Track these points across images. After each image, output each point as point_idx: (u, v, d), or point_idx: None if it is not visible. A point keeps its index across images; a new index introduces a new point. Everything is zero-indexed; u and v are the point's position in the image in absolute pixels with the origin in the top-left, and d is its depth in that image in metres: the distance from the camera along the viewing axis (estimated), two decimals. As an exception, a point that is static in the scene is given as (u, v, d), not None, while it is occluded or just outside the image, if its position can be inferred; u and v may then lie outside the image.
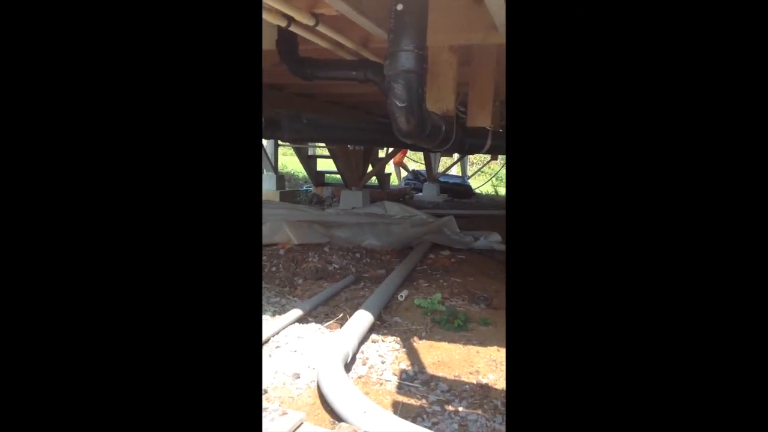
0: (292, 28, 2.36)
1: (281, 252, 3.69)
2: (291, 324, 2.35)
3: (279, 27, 2.49)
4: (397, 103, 2.07)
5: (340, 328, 2.27)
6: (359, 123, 4.88)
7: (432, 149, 3.22)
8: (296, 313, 2.44)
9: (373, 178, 7.83)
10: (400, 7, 1.93)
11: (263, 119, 2.89)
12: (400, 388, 1.85)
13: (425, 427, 1.51)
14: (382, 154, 8.26)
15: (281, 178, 7.54)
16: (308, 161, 7.87)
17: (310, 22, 2.26)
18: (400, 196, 8.06)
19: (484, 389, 1.85)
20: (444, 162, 11.05)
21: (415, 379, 1.92)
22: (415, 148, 8.19)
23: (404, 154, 8.36)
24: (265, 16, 2.17)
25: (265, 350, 2.07)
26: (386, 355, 2.11)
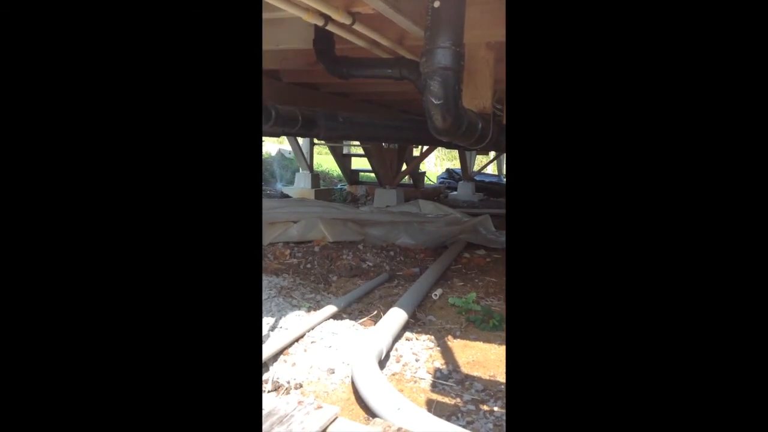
0: (329, 27, 2.38)
1: (316, 249, 3.73)
2: (326, 320, 2.38)
3: (316, 26, 2.52)
4: (433, 101, 2.06)
5: (374, 325, 2.28)
6: (394, 121, 4.89)
7: (468, 147, 3.19)
8: (331, 309, 2.46)
9: (407, 176, 7.82)
10: (437, 4, 1.91)
11: (300, 118, 2.94)
12: (435, 387, 1.84)
13: (460, 426, 1.49)
14: (416, 152, 8.24)
15: (316, 177, 7.62)
16: (343, 160, 7.93)
17: (347, 21, 2.27)
18: (435, 194, 8.03)
19: (520, 390, 1.82)
20: (480, 160, 10.93)
21: (449, 377, 1.91)
22: (450, 146, 8.14)
23: None
24: (302, 15, 2.19)
25: (301, 345, 2.10)
26: (420, 354, 2.10)
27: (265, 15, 2.48)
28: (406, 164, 7.35)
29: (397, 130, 4.19)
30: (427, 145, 6.76)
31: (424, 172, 9.60)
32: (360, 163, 8.68)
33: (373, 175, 7.50)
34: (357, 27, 2.37)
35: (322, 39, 2.87)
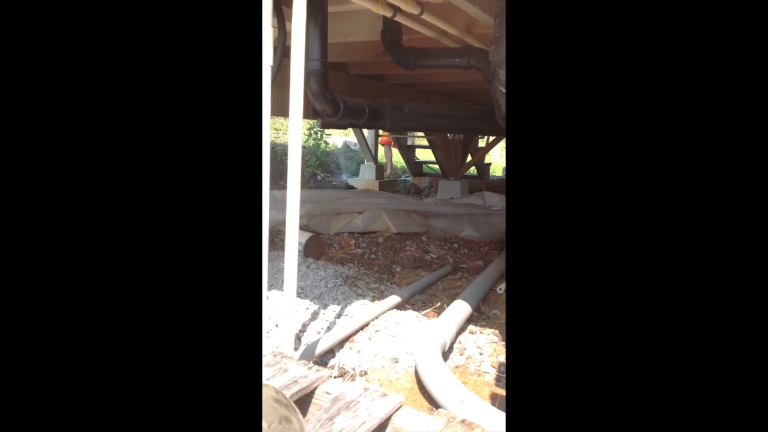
0: (397, 18, 2.37)
1: (380, 240, 3.77)
2: (389, 310, 2.41)
3: (384, 17, 2.53)
4: (502, 89, 2.01)
5: (437, 317, 2.28)
6: (460, 111, 4.82)
7: (537, 138, 3.08)
8: (394, 299, 2.48)
9: (472, 168, 7.69)
10: (508, -11, 1.86)
11: (367, 110, 2.97)
12: (499, 381, 1.82)
13: (525, 422, 1.47)
14: (482, 143, 8.08)
15: (381, 168, 7.68)
16: (407, 151, 7.93)
17: (416, 11, 2.26)
18: (501, 186, 7.85)
19: (590, 390, 1.76)
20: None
21: (514, 373, 1.87)
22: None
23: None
24: (372, 6, 2.20)
25: (365, 333, 2.14)
26: (484, 347, 2.08)
27: (334, 8, 2.52)
28: (471, 156, 7.23)
29: (463, 120, 4.13)
30: (493, 135, 6.60)
31: (490, 164, 9.40)
32: (424, 155, 8.65)
33: (437, 166, 7.46)
34: (425, 17, 2.35)
35: (390, 30, 2.87)
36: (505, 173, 10.06)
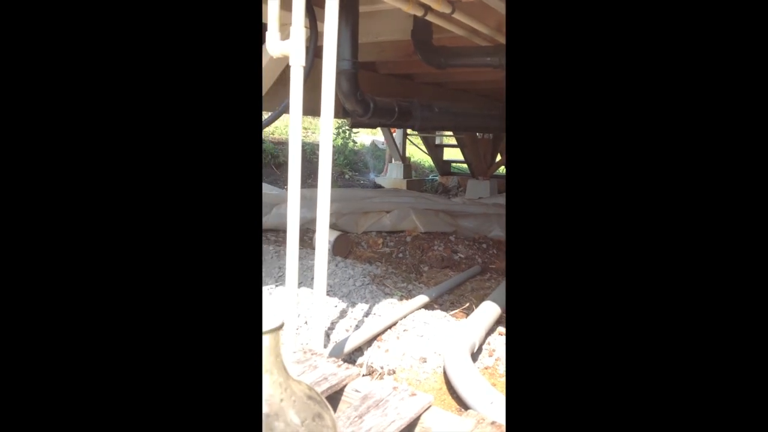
0: (428, 17, 2.37)
1: (408, 239, 3.77)
2: (417, 309, 2.40)
3: (415, 17, 2.52)
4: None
5: (466, 317, 2.26)
6: (491, 110, 4.77)
7: (569, 137, 3.03)
8: (422, 299, 2.48)
9: (502, 167, 7.61)
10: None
11: (396, 109, 2.97)
12: (529, 384, 1.80)
13: (556, 426, 1.45)
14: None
15: (408, 167, 7.68)
16: (435, 150, 7.90)
17: (447, 10, 2.25)
18: (529, 186, 7.74)
19: (623, 396, 1.72)
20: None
21: (544, 376, 1.85)
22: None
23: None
24: (403, 6, 2.20)
25: (393, 332, 2.14)
26: (514, 349, 2.06)
27: (365, 8, 2.53)
28: (501, 155, 7.15)
29: (493, 119, 4.09)
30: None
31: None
32: (452, 154, 8.59)
33: (465, 165, 7.40)
34: (456, 15, 2.34)
35: (421, 29, 2.86)
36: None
